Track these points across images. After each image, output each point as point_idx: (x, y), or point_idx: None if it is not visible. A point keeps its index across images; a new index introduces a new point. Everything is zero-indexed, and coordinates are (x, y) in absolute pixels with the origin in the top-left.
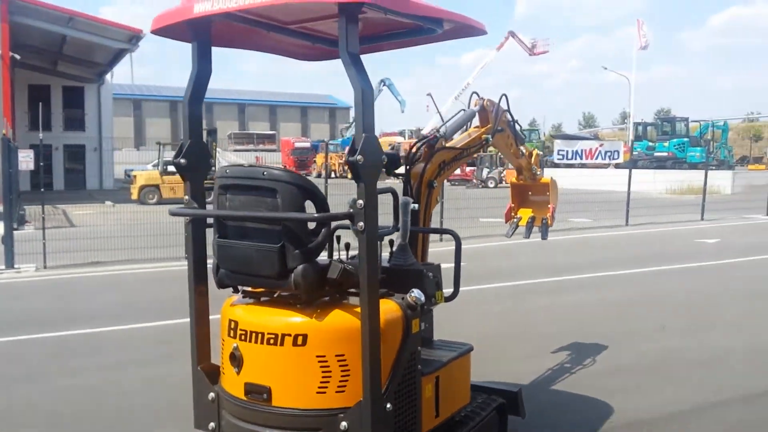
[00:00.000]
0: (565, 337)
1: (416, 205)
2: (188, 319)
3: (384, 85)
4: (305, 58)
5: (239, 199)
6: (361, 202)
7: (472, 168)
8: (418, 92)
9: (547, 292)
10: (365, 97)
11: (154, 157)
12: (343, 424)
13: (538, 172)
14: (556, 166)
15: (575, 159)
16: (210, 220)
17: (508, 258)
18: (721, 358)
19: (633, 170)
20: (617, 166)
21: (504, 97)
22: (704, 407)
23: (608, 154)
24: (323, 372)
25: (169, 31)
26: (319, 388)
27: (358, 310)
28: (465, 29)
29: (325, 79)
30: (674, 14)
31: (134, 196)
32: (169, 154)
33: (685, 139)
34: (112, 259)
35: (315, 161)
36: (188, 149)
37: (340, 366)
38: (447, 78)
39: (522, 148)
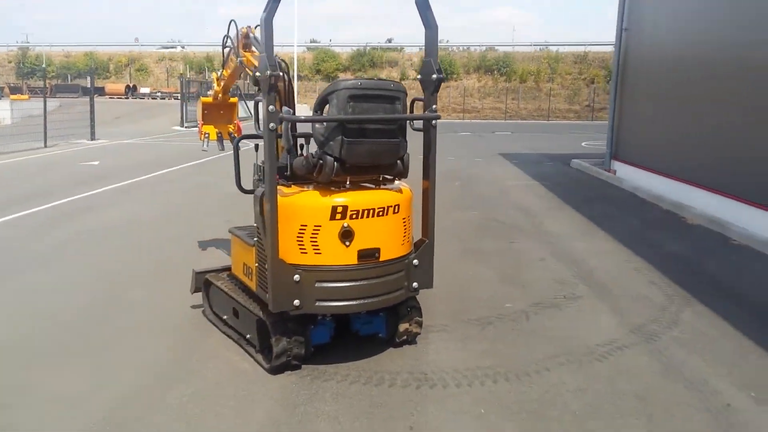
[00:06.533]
0: None
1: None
2: None
3: None
4: None
5: (363, 107)
6: (435, 106)
7: None
8: None
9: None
10: (436, 33)
11: None
12: (415, 261)
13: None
14: None
15: None
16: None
17: None
18: None
19: None
20: None
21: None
22: None
23: None
24: (404, 229)
25: None
26: (402, 240)
27: (405, 185)
28: None
29: None
30: None
31: None
32: None
33: None
34: None
35: None
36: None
37: (409, 224)
38: None
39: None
